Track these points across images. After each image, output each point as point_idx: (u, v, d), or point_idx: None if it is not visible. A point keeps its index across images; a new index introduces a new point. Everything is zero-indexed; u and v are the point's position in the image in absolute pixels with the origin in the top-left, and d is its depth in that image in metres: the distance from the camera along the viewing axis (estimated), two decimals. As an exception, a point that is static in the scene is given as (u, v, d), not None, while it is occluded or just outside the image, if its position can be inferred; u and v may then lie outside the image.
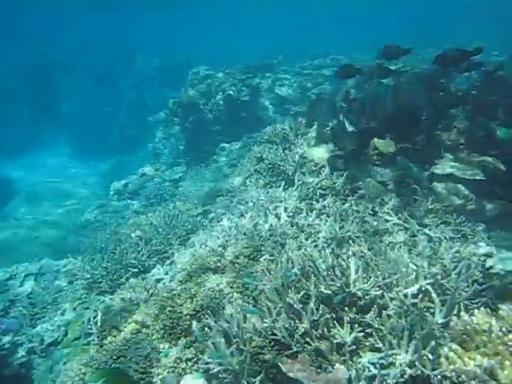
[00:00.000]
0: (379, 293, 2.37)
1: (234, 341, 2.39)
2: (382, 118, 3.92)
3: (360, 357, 2.20)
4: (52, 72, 17.85)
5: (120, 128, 15.99)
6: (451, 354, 1.95)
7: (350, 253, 2.71)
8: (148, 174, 9.06)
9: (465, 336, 2.01)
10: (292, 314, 2.33)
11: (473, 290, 2.40)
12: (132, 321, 3.14)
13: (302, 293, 2.40)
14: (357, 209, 3.59)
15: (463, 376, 1.85)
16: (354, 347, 2.21)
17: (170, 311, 2.91)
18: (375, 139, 3.84)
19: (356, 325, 2.25)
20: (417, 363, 1.99)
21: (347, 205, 3.62)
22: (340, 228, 3.23)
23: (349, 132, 4.09)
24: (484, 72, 4.26)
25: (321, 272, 2.49)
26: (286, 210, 3.75)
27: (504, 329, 1.92)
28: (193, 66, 10.27)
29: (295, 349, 2.22)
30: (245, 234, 3.53)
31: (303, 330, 2.26)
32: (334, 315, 2.32)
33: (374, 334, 2.23)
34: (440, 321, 2.16)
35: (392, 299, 2.32)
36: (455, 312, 2.21)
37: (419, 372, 1.97)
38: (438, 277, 2.45)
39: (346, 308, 2.33)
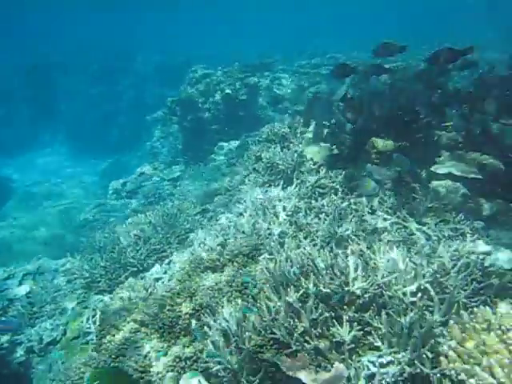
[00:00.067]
0: (378, 291, 2.36)
1: (233, 339, 2.38)
2: (379, 117, 3.92)
3: (359, 355, 2.20)
4: (52, 72, 17.87)
5: (120, 128, 15.97)
6: (450, 353, 1.95)
7: (349, 251, 2.71)
8: (146, 172, 9.05)
9: (464, 334, 2.01)
10: (291, 313, 2.33)
11: (472, 288, 2.40)
12: (131, 320, 3.14)
13: (301, 291, 2.39)
14: (355, 207, 3.59)
15: (462, 374, 1.85)
16: (353, 346, 2.20)
17: (169, 310, 2.90)
18: (373, 138, 3.84)
19: (355, 323, 2.24)
20: (416, 361, 1.99)
21: (346, 203, 3.62)
22: (339, 227, 3.22)
23: (347, 131, 4.09)
24: (477, 70, 4.27)
25: (320, 271, 2.49)
26: (284, 208, 3.75)
27: (503, 327, 1.92)
28: (192, 66, 10.27)
29: (294, 347, 2.22)
30: (244, 232, 3.53)
31: (302, 328, 2.26)
32: (333, 314, 2.31)
33: (373, 332, 2.22)
34: (439, 319, 2.16)
35: (391, 298, 2.32)
36: (454, 310, 2.20)
37: (418, 370, 1.97)
38: (437, 275, 2.45)
39: (345, 307, 2.33)
